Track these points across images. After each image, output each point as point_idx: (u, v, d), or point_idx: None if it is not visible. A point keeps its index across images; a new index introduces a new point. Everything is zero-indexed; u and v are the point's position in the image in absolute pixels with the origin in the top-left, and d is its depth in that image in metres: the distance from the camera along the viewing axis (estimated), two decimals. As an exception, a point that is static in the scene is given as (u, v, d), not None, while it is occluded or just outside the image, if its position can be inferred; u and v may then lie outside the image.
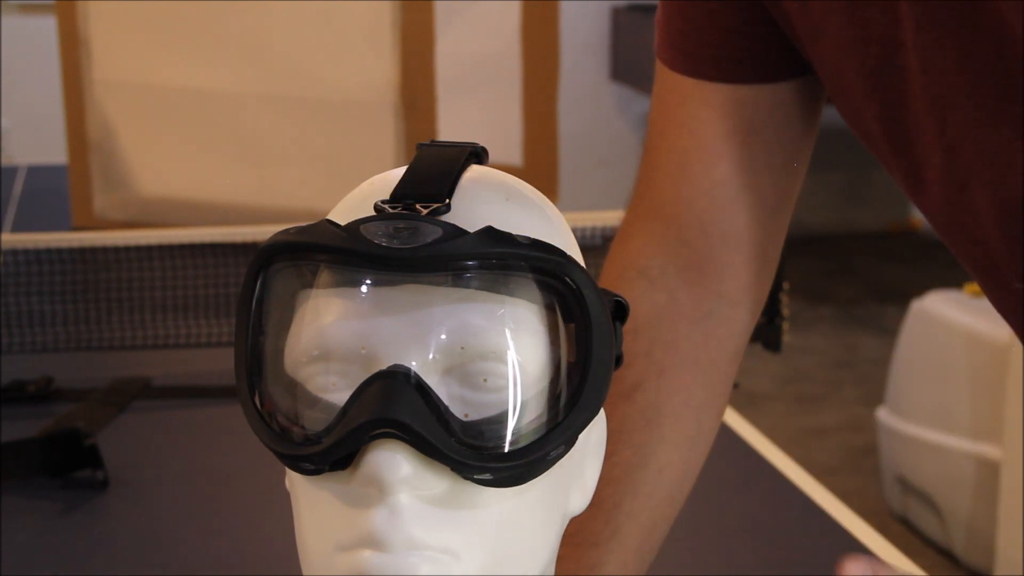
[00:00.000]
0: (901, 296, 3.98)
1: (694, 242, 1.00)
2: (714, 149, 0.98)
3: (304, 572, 0.67)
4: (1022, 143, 0.82)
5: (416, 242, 0.62)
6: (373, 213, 0.65)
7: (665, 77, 1.01)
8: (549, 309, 0.65)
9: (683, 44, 0.99)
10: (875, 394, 3.81)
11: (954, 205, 0.89)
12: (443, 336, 0.63)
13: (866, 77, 0.89)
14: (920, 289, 3.39)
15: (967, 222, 0.89)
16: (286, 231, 0.65)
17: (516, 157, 2.98)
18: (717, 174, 0.99)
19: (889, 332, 4.05)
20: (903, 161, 0.91)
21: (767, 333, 1.80)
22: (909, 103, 0.87)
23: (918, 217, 5.98)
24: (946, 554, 3.16)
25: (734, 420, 1.80)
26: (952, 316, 3.09)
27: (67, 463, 1.58)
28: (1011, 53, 0.80)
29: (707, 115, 0.98)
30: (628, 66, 5.55)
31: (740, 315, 1.02)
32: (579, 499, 0.70)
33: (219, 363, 1.92)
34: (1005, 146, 0.83)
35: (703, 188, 0.99)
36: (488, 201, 0.67)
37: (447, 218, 0.64)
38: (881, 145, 0.93)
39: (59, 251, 2.14)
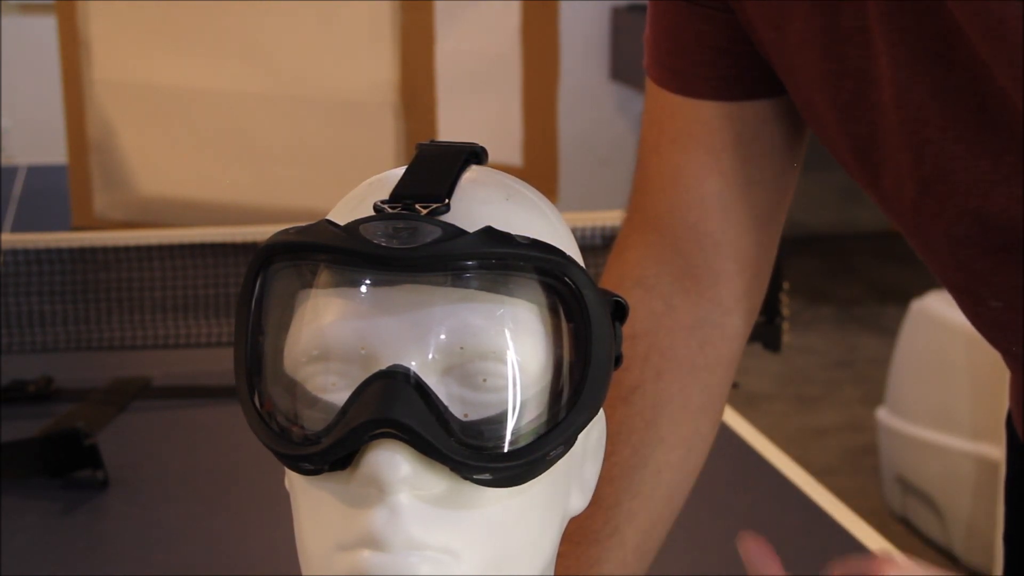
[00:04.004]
0: (901, 296, 3.98)
1: (688, 252, 1.01)
2: (705, 163, 1.00)
3: (304, 572, 0.67)
4: (1001, 175, 0.83)
5: (415, 242, 0.62)
6: (372, 213, 0.65)
7: (655, 93, 1.03)
8: (549, 309, 0.65)
9: (672, 63, 1.01)
10: (875, 394, 3.80)
11: (930, 230, 0.91)
12: (442, 336, 0.63)
13: (839, 109, 0.91)
14: (920, 289, 3.39)
15: (942, 247, 0.91)
16: (286, 231, 0.65)
17: (516, 157, 2.99)
18: (709, 186, 1.00)
19: (889, 332, 4.05)
20: (877, 189, 0.94)
21: (767, 333, 1.80)
22: (883, 136, 0.89)
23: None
24: (946, 554, 3.16)
25: (734, 420, 1.80)
26: (952, 316, 3.08)
27: (67, 463, 1.58)
28: (986, 88, 0.82)
29: (697, 130, 1.00)
30: (628, 66, 5.54)
31: (734, 322, 1.04)
32: (579, 499, 0.70)
33: (219, 363, 1.91)
34: (983, 178, 0.85)
35: (696, 200, 1.01)
36: (487, 201, 0.67)
37: (446, 218, 0.64)
38: (855, 172, 0.95)
39: (59, 251, 2.14)
